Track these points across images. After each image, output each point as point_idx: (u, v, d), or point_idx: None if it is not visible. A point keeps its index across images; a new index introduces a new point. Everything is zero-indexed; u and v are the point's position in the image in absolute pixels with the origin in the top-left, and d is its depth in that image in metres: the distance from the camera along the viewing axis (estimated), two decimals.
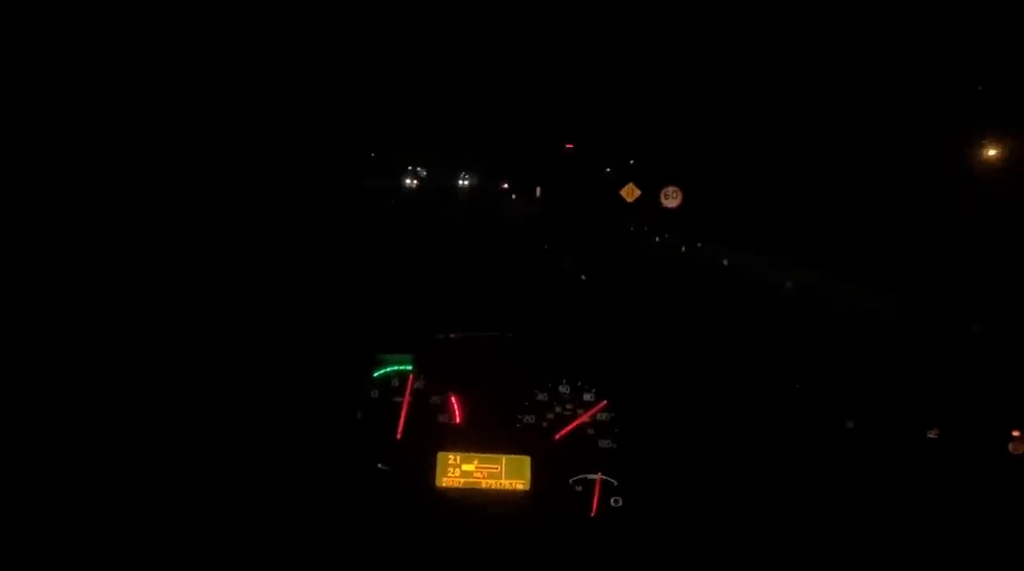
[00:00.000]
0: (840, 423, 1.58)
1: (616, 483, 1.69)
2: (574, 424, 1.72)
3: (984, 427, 1.54)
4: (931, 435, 1.55)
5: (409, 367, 1.74)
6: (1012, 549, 1.49)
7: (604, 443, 1.72)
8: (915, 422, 1.56)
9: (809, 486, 1.59)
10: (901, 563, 1.51)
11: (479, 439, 1.71)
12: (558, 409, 1.74)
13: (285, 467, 1.62)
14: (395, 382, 1.73)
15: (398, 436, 1.70)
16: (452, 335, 1.76)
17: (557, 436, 1.72)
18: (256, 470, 1.62)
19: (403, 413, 1.71)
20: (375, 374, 1.73)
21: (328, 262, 1.88)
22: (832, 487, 1.57)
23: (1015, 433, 1.53)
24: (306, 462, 1.64)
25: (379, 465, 1.66)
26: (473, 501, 1.67)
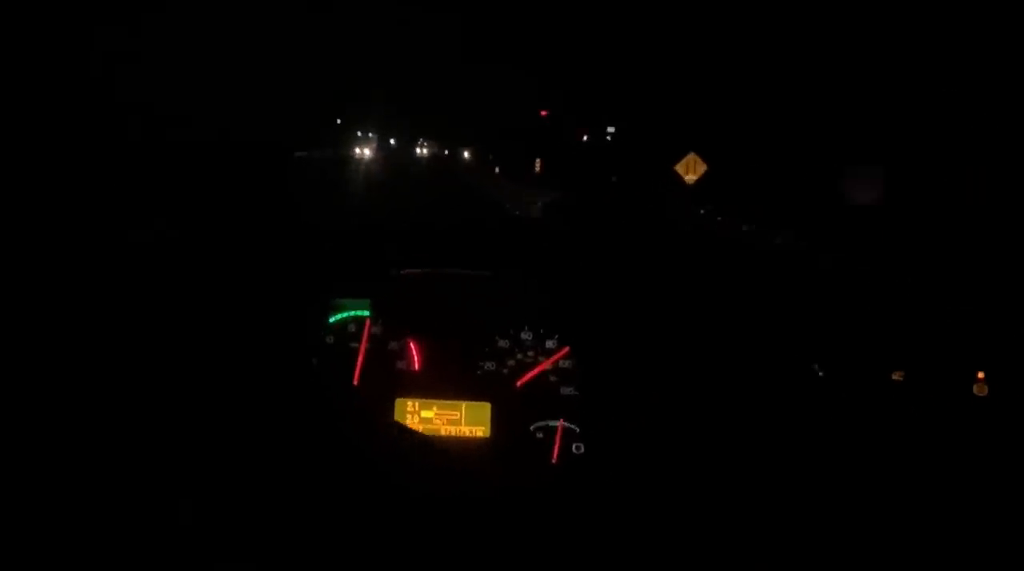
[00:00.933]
0: (806, 367, 1.56)
1: (578, 430, 1.66)
2: (536, 371, 1.69)
3: (949, 370, 1.53)
4: (895, 378, 1.53)
5: (366, 312, 1.69)
6: (976, 490, 1.48)
7: (566, 390, 1.69)
8: (880, 366, 1.54)
9: (774, 430, 1.56)
10: (869, 506, 1.50)
11: (439, 385, 1.66)
12: (520, 356, 1.70)
13: (238, 416, 1.57)
14: (351, 328, 1.68)
15: (355, 382, 1.65)
16: (411, 271, 1.70)
17: (519, 383, 1.68)
18: (208, 420, 1.56)
19: (360, 359, 1.66)
20: (331, 319, 1.68)
21: (277, 212, 1.81)
22: (798, 431, 1.54)
23: (980, 375, 1.52)
24: (260, 410, 1.58)
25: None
26: (432, 448, 1.63)
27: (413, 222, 1.86)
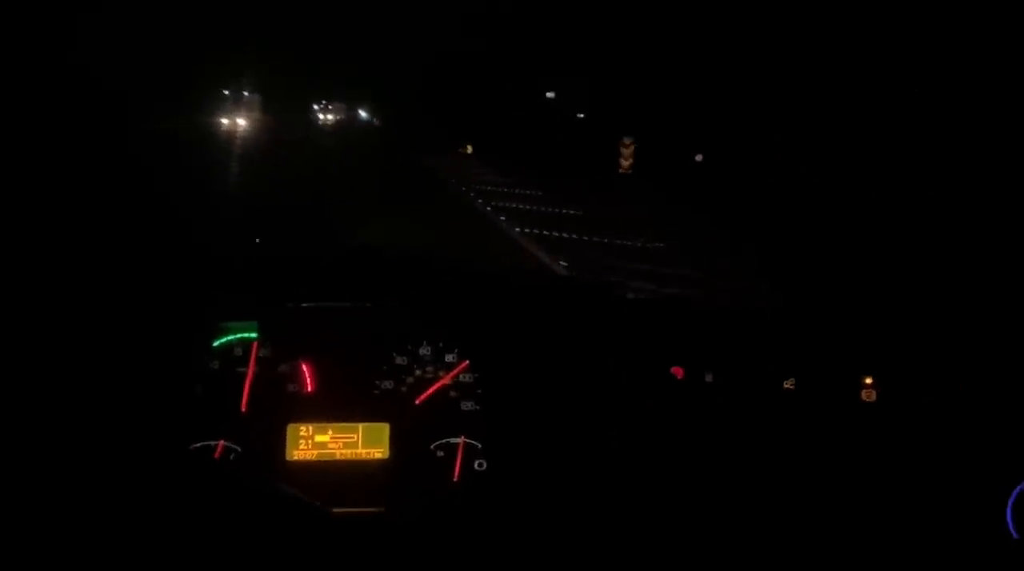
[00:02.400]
0: (699, 377, 1.56)
1: (480, 446, 1.63)
2: (435, 387, 1.64)
3: (837, 376, 1.55)
4: (787, 386, 1.55)
5: (253, 334, 1.60)
6: (866, 492, 1.52)
7: (467, 405, 1.65)
8: (771, 374, 1.56)
9: (669, 438, 1.57)
10: (764, 510, 1.52)
11: (334, 408, 1.60)
12: (418, 372, 1.65)
13: (118, 448, 1.48)
14: (238, 351, 1.59)
15: (243, 409, 1.57)
16: (303, 305, 1.62)
17: (418, 400, 1.64)
18: (87, 451, 1.46)
19: (247, 384, 1.58)
20: (215, 343, 1.59)
21: (153, 222, 1.68)
22: (690, 440, 1.55)
23: (867, 381, 1.55)
24: (140, 442, 1.49)
25: (221, 442, 1.54)
26: (328, 473, 1.57)
27: (307, 244, 1.76)
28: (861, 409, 1.54)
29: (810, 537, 1.49)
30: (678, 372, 1.58)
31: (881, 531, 1.50)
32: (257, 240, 1.66)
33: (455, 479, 1.61)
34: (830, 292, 1.48)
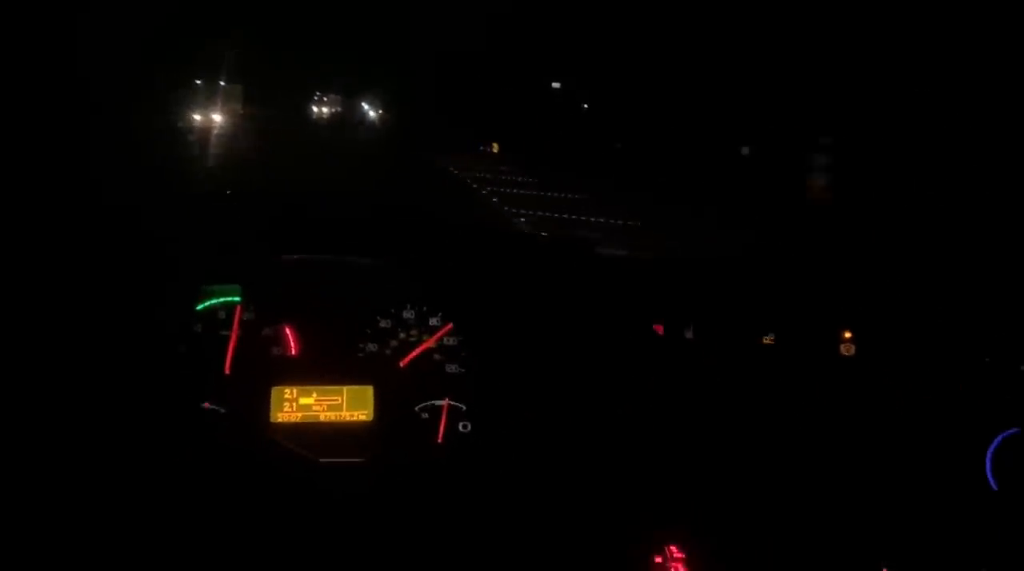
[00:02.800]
0: (679, 333, 1.57)
1: (464, 408, 1.64)
2: (419, 349, 1.65)
3: (816, 331, 1.57)
4: (767, 341, 1.57)
5: (236, 298, 1.61)
6: (846, 446, 1.53)
7: (451, 368, 1.66)
8: (750, 329, 1.57)
9: (652, 399, 1.58)
10: (746, 465, 1.53)
11: (318, 371, 1.61)
12: (402, 335, 1.66)
13: (103, 415, 1.48)
14: (221, 314, 1.60)
15: (226, 371, 1.58)
16: (285, 257, 1.63)
17: (402, 363, 1.64)
18: (72, 420, 1.47)
19: (231, 347, 1.58)
20: (198, 307, 1.60)
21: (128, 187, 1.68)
22: (672, 396, 1.57)
23: (846, 335, 1.57)
24: (125, 406, 1.49)
25: (205, 404, 1.54)
26: (312, 436, 1.58)
27: (288, 202, 1.76)
28: (840, 363, 1.56)
29: (791, 490, 1.50)
30: (659, 329, 1.59)
31: (862, 484, 1.51)
32: (228, 192, 1.65)
33: (439, 440, 1.62)
34: (808, 246, 1.49)
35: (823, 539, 1.47)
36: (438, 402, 1.63)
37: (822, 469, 1.53)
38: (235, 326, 1.59)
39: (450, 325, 1.67)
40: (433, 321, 1.67)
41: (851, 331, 1.56)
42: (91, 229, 1.52)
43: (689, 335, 1.58)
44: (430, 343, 1.66)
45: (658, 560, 1.44)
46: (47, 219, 1.56)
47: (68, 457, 1.46)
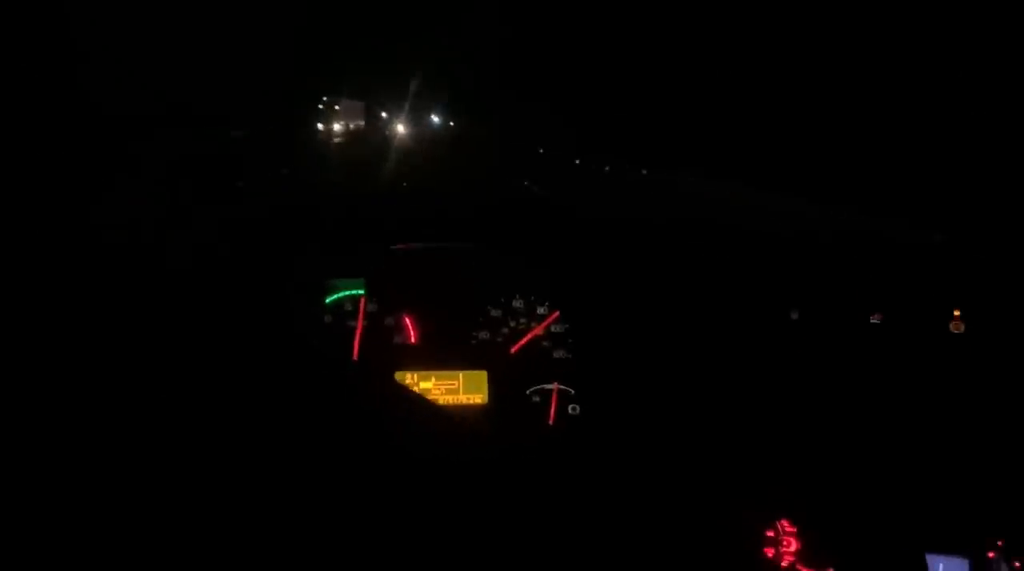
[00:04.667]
0: (784, 315, 1.60)
1: (573, 391, 1.72)
2: (528, 336, 1.74)
3: (926, 309, 1.57)
4: (874, 320, 1.58)
5: (361, 291, 1.74)
6: (954, 424, 1.53)
7: (559, 353, 1.75)
8: (858, 308, 1.59)
9: (759, 378, 1.62)
10: (855, 446, 1.55)
11: (436, 357, 1.72)
12: (512, 323, 1.76)
13: (244, 401, 1.63)
14: (348, 306, 1.74)
15: (354, 358, 1.71)
16: (403, 247, 1.75)
17: (513, 349, 1.74)
18: (216, 408, 1.62)
19: (357, 336, 1.71)
20: (327, 300, 1.74)
21: (269, 196, 1.84)
22: (781, 376, 1.60)
23: (956, 313, 1.56)
24: (264, 394, 1.64)
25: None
26: (432, 408, 1.69)
27: (401, 196, 1.89)
28: (950, 341, 1.56)
29: (900, 467, 1.51)
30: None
31: (972, 461, 1.50)
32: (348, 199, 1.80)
33: (550, 422, 1.70)
34: (919, 224, 1.50)
35: (934, 516, 1.47)
36: (548, 386, 1.72)
37: (932, 446, 1.53)
38: (360, 317, 1.72)
39: (556, 313, 1.75)
40: (540, 309, 1.76)
41: (960, 309, 1.56)
42: (239, 232, 1.68)
43: (795, 316, 1.61)
44: (538, 330, 1.75)
45: (770, 534, 1.48)
46: (200, 224, 1.73)
47: (211, 449, 1.61)
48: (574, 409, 1.72)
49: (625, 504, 1.59)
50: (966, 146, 1.45)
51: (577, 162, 1.98)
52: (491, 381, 1.72)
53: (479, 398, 1.71)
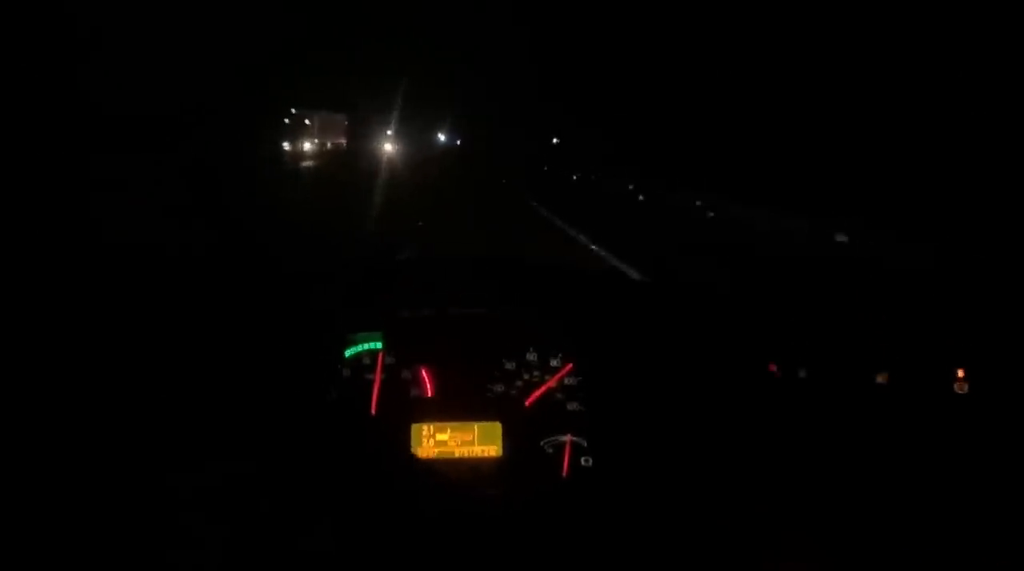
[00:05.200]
0: (794, 374, 1.65)
1: (586, 443, 1.75)
2: (542, 389, 1.78)
3: (930, 369, 1.61)
4: (880, 380, 1.62)
5: (379, 344, 1.78)
6: (961, 483, 1.57)
7: (572, 406, 1.79)
8: (864, 368, 1.63)
9: (770, 436, 1.66)
10: (861, 505, 1.58)
11: (451, 409, 1.76)
12: (526, 376, 1.80)
13: (262, 451, 1.67)
14: (366, 360, 1.78)
15: (372, 411, 1.75)
16: (422, 312, 1.80)
17: (527, 402, 1.78)
18: (235, 455, 1.66)
19: (376, 389, 1.75)
20: (346, 354, 1.78)
21: (291, 248, 1.89)
22: (787, 435, 1.64)
23: (960, 373, 1.61)
24: (283, 445, 1.68)
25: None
26: (448, 470, 1.73)
27: (418, 259, 1.94)
28: (954, 401, 1.60)
29: (906, 528, 1.55)
30: (773, 368, 1.67)
31: (978, 524, 1.54)
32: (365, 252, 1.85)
33: (564, 474, 1.74)
34: (920, 285, 1.54)
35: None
36: (561, 438, 1.76)
37: (936, 507, 1.57)
38: (378, 370, 1.76)
39: (570, 365, 1.80)
40: (554, 362, 1.80)
41: (964, 368, 1.60)
42: (261, 288, 1.73)
43: (803, 374, 1.66)
44: (552, 383, 1.79)
45: None
46: (216, 276, 1.78)
47: (228, 494, 1.65)
48: (587, 461, 1.75)
49: (638, 556, 1.63)
50: (980, 190, 1.50)
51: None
52: (506, 433, 1.75)
53: (493, 450, 1.75)
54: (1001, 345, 1.63)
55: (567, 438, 1.75)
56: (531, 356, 1.80)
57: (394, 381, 1.77)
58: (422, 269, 1.89)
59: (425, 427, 1.75)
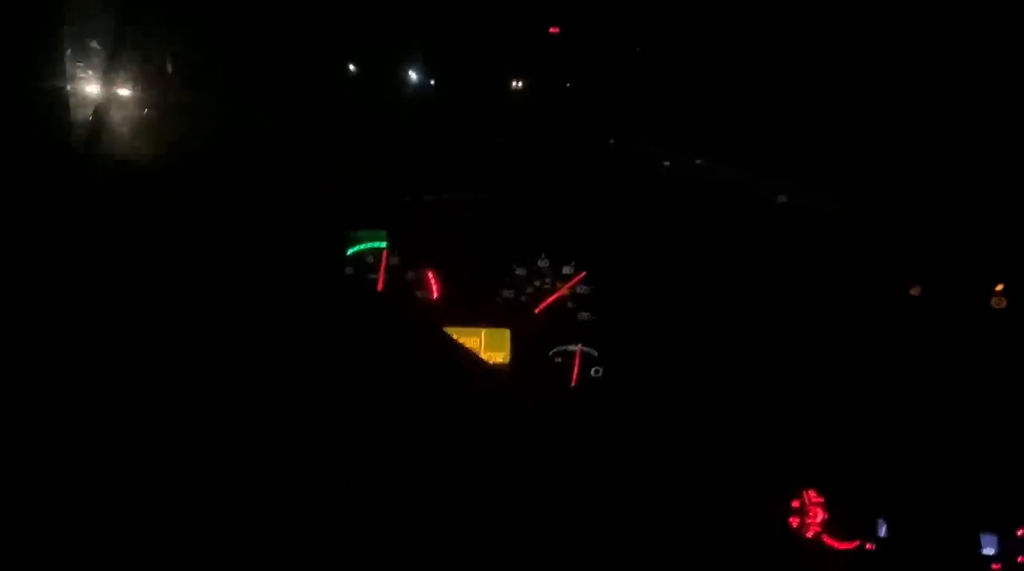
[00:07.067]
0: (819, 284, 1.56)
1: (596, 354, 1.68)
2: (554, 297, 1.70)
3: (967, 283, 1.52)
4: (913, 293, 1.53)
5: (383, 243, 1.70)
6: (996, 400, 1.49)
7: (583, 315, 1.71)
8: (897, 279, 1.54)
9: (787, 347, 1.58)
10: (887, 423, 1.51)
11: (458, 314, 1.68)
12: (537, 283, 1.72)
13: (262, 349, 1.60)
14: (370, 259, 1.70)
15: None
16: (426, 198, 1.71)
17: (537, 309, 1.70)
18: (237, 350, 1.59)
19: (379, 289, 1.68)
20: (348, 252, 1.70)
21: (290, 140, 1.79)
22: (815, 349, 1.56)
23: (998, 288, 1.52)
24: (282, 342, 1.61)
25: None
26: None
27: (424, 144, 1.83)
28: (991, 316, 1.51)
29: (933, 441, 1.48)
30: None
31: (1009, 437, 1.47)
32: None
33: (573, 384, 1.67)
34: (960, 198, 1.45)
35: (964, 493, 1.44)
36: (571, 347, 1.69)
37: (964, 423, 1.50)
38: (382, 270, 1.68)
39: (583, 274, 1.71)
40: (566, 270, 1.72)
41: (1004, 283, 1.51)
42: (266, 187, 1.63)
43: (831, 286, 1.57)
44: (563, 291, 1.71)
45: (795, 504, 1.45)
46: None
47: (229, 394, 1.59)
48: (596, 372, 1.68)
49: (646, 470, 1.57)
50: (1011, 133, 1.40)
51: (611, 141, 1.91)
52: (514, 340, 1.68)
53: (501, 357, 1.68)
54: None
55: (577, 348, 1.68)
56: (543, 262, 1.72)
57: (398, 282, 1.69)
58: (428, 154, 1.79)
59: None
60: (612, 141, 1.79)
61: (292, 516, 1.09)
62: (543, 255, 1.72)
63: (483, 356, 1.67)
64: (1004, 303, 1.51)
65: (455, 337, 1.67)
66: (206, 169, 1.74)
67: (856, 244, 1.59)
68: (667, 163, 1.76)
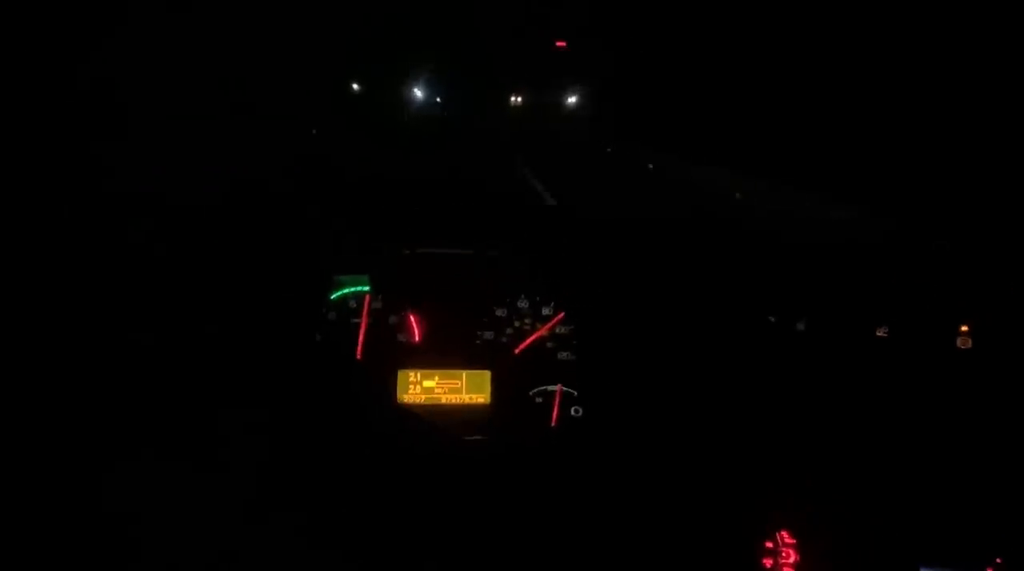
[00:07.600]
0: (791, 326, 1.60)
1: (576, 393, 1.72)
2: (533, 337, 1.74)
3: (932, 324, 1.56)
4: (880, 334, 1.57)
5: (366, 288, 1.73)
6: (958, 440, 1.53)
7: (563, 355, 1.74)
8: (864, 321, 1.58)
9: (763, 388, 1.61)
10: (857, 459, 1.55)
11: (439, 356, 1.72)
12: (517, 324, 1.75)
13: (245, 393, 1.63)
14: (352, 303, 1.73)
15: (358, 356, 1.71)
16: (408, 251, 1.74)
17: (517, 350, 1.74)
18: (217, 396, 1.62)
19: (362, 333, 1.71)
20: (332, 296, 1.73)
21: (280, 187, 1.83)
22: (785, 387, 1.59)
23: (963, 328, 1.56)
24: (266, 387, 1.64)
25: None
26: (434, 417, 1.69)
27: (409, 199, 1.87)
28: (956, 356, 1.55)
29: (902, 481, 1.51)
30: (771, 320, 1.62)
31: (975, 478, 1.51)
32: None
33: (553, 424, 1.70)
34: (925, 239, 1.49)
35: (933, 531, 1.47)
36: (551, 387, 1.72)
37: (933, 461, 1.53)
38: (365, 314, 1.72)
39: (562, 314, 1.75)
40: (546, 310, 1.76)
41: (968, 324, 1.55)
42: (241, 223, 1.67)
43: (801, 326, 1.61)
44: (543, 331, 1.74)
45: (769, 545, 1.49)
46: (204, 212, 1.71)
47: (209, 436, 1.62)
48: (576, 411, 1.72)
49: (625, 508, 1.60)
50: (976, 155, 1.43)
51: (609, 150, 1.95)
52: (494, 381, 1.71)
53: (482, 398, 1.71)
54: (1006, 300, 1.57)
55: (557, 388, 1.72)
56: (522, 303, 1.75)
57: (381, 326, 1.72)
58: (413, 210, 1.83)
59: (412, 373, 1.70)
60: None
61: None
62: (522, 296, 1.76)
63: (465, 397, 1.71)
64: (969, 343, 1.55)
65: (437, 379, 1.71)
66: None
67: (827, 283, 1.63)
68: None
